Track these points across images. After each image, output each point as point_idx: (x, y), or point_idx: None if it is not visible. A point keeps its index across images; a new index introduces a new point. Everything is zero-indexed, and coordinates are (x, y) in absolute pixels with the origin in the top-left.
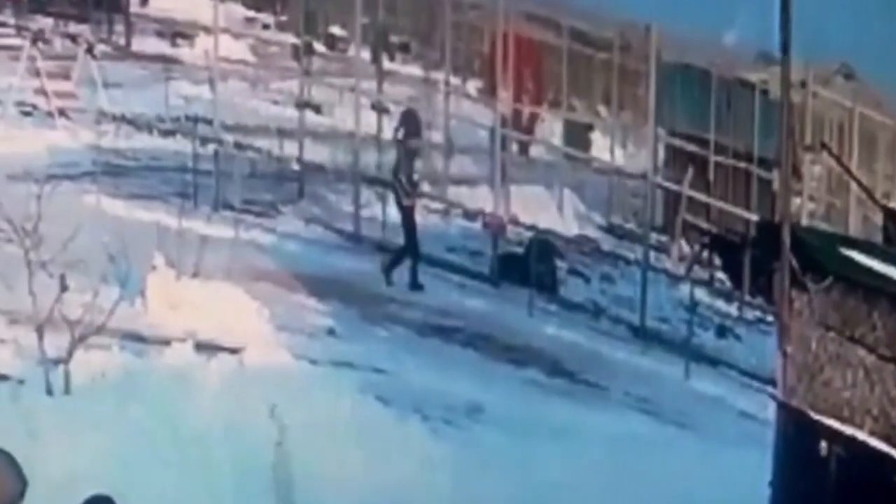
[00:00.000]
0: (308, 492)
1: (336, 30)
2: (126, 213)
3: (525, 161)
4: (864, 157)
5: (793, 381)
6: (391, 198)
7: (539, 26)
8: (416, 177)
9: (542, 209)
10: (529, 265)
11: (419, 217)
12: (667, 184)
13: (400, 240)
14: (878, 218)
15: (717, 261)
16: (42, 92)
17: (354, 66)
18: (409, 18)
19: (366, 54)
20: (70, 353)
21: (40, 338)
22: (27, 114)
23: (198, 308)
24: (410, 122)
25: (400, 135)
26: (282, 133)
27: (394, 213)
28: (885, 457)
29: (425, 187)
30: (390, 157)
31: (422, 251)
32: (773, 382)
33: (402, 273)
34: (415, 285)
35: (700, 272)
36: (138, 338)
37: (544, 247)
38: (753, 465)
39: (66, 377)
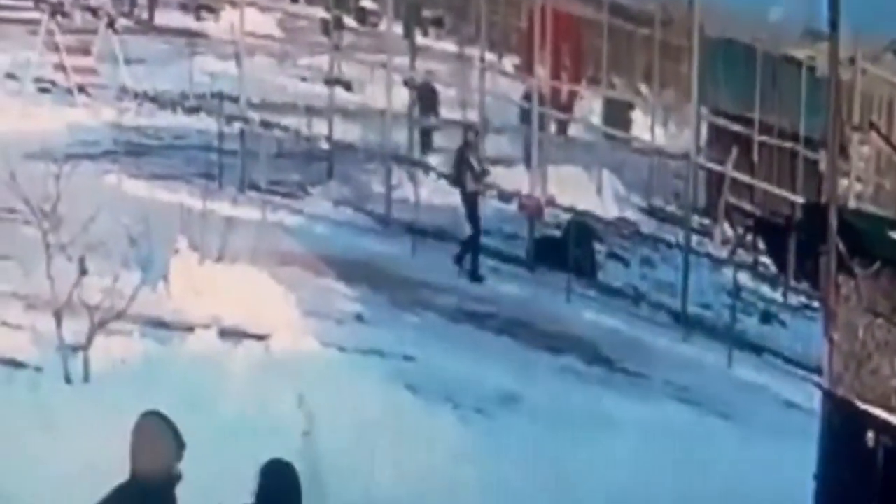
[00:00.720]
0: (335, 482)
1: (367, 3)
2: (148, 194)
3: (563, 140)
4: None
5: (839, 369)
6: (424, 178)
7: (578, 0)
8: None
9: (581, 190)
10: (567, 249)
11: (452, 198)
12: (710, 164)
13: (432, 222)
14: None
15: (762, 244)
16: (61, 67)
17: (386, 42)
18: None
19: (398, 29)
20: (89, 340)
21: (59, 324)
22: (46, 90)
23: (222, 293)
24: (426, 97)
25: (416, 111)
26: (310, 111)
27: (426, 195)
28: None
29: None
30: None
31: (455, 234)
32: (818, 371)
33: (435, 257)
34: (475, 276)
35: (744, 256)
36: (160, 324)
37: (582, 230)
38: (798, 456)
39: (86, 365)
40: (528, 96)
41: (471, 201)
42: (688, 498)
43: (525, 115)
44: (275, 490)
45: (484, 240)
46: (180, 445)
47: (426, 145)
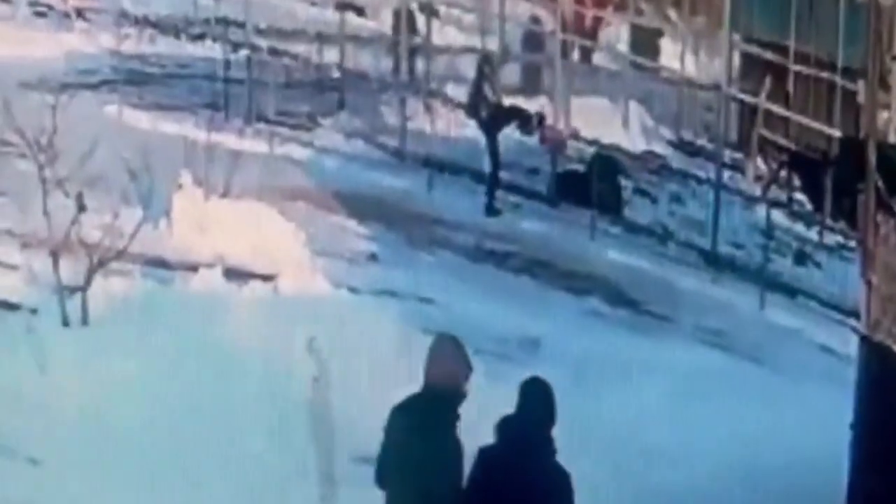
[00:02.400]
0: (348, 430)
1: None
2: (150, 126)
3: (587, 70)
4: None
5: (877, 313)
6: (442, 109)
7: None
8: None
9: (606, 123)
10: (591, 184)
11: (470, 130)
12: (742, 96)
13: (449, 155)
14: None
15: (797, 181)
16: None
17: None
18: None
19: None
20: (88, 281)
21: (56, 263)
22: (41, 14)
23: (228, 230)
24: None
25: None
26: (321, 38)
27: (442, 127)
28: None
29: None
30: (440, 64)
31: (473, 168)
32: (855, 314)
33: (452, 193)
34: (491, 210)
35: (777, 193)
36: (162, 263)
37: (608, 164)
38: (834, 404)
39: (84, 306)
40: (535, 18)
41: (490, 133)
42: (718, 447)
43: (528, 40)
44: (531, 410)
45: (503, 174)
46: (469, 367)
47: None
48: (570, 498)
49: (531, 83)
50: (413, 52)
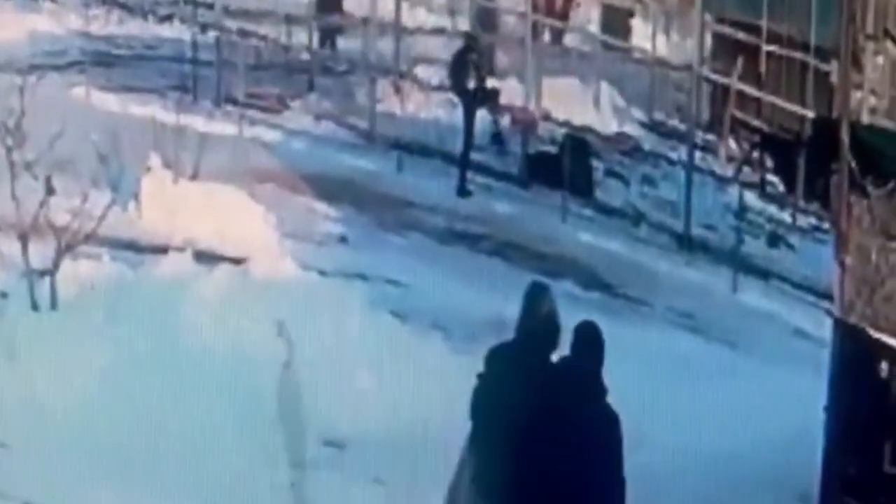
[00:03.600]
0: (317, 415)
1: None
2: (118, 108)
3: (558, 50)
4: None
5: (851, 295)
6: (412, 93)
7: None
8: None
9: (577, 104)
10: (563, 165)
11: (441, 111)
12: (714, 76)
13: (419, 137)
14: None
15: (769, 162)
16: None
17: None
18: None
19: None
20: (56, 264)
21: (24, 247)
22: None
23: (197, 213)
24: None
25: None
26: (290, 19)
27: (412, 109)
28: None
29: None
30: (409, 44)
31: (443, 150)
32: (829, 297)
33: (423, 175)
34: (463, 191)
35: (750, 174)
36: (132, 246)
37: (579, 145)
38: (807, 387)
39: (53, 290)
40: None
41: (470, 112)
42: (691, 430)
43: (483, 17)
44: (584, 353)
45: (475, 155)
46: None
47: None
48: (620, 439)
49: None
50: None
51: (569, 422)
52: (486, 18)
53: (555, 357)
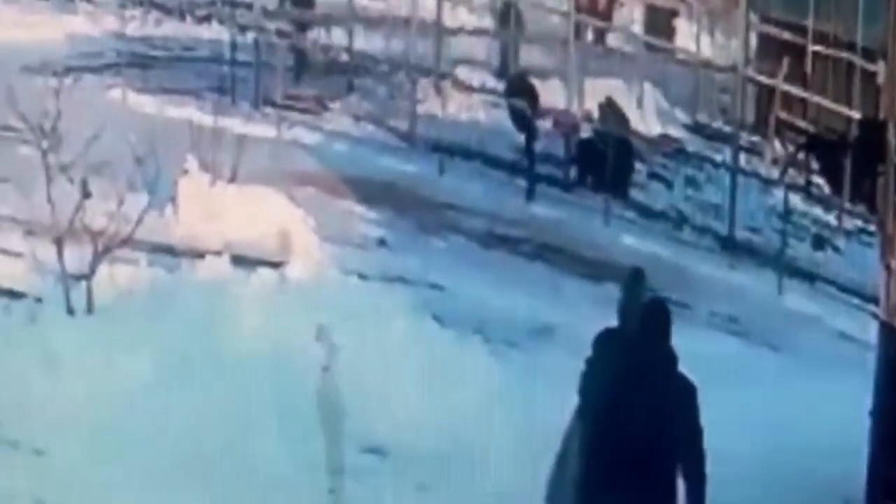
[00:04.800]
0: (357, 420)
1: None
2: (155, 110)
3: (601, 51)
4: None
5: None
6: (453, 94)
7: None
8: None
9: (620, 106)
10: (608, 157)
11: (482, 113)
12: (759, 77)
13: (460, 139)
14: None
15: (815, 163)
16: None
17: None
18: None
19: None
20: (93, 269)
21: (60, 251)
22: None
23: (235, 217)
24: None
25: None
26: (329, 19)
27: (454, 110)
28: None
29: (490, 80)
30: (452, 45)
31: (485, 152)
32: (875, 300)
33: (464, 177)
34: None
35: (795, 176)
36: (169, 250)
37: (623, 144)
38: (853, 391)
39: (89, 295)
40: None
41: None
42: (734, 435)
43: (503, 17)
44: (653, 328)
45: (516, 158)
46: None
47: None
48: (697, 407)
49: (502, 60)
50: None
51: (653, 392)
52: (508, 14)
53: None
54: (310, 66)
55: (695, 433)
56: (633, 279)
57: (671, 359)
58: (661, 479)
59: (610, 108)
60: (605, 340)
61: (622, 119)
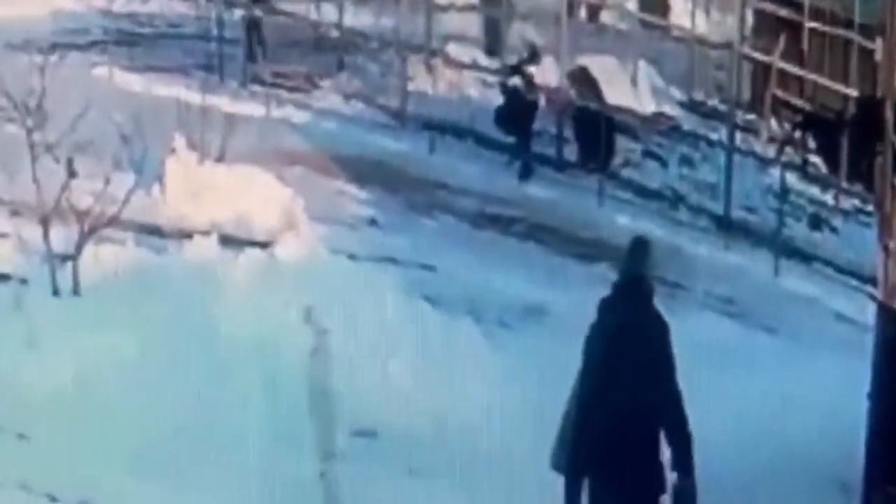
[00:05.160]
0: (347, 403)
1: None
2: (142, 89)
3: (594, 28)
4: None
5: (895, 279)
6: (444, 71)
7: None
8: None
9: (614, 83)
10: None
11: (474, 91)
12: (755, 54)
13: (451, 117)
14: None
15: (812, 142)
16: None
17: None
18: None
19: None
20: (79, 249)
21: (45, 231)
22: None
23: (223, 196)
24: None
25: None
26: None
27: (445, 88)
28: None
29: (481, 58)
30: (443, 21)
31: (476, 130)
32: (873, 281)
33: (455, 156)
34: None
35: (792, 155)
36: (156, 230)
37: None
38: (850, 373)
39: (75, 276)
40: None
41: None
42: (731, 417)
43: None
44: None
45: (507, 137)
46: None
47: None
48: (670, 341)
49: (492, 37)
50: None
51: (627, 329)
52: None
53: None
54: (265, 42)
55: (669, 372)
56: (638, 247)
57: (648, 291)
58: (646, 436)
59: (581, 75)
60: (607, 305)
61: (593, 87)
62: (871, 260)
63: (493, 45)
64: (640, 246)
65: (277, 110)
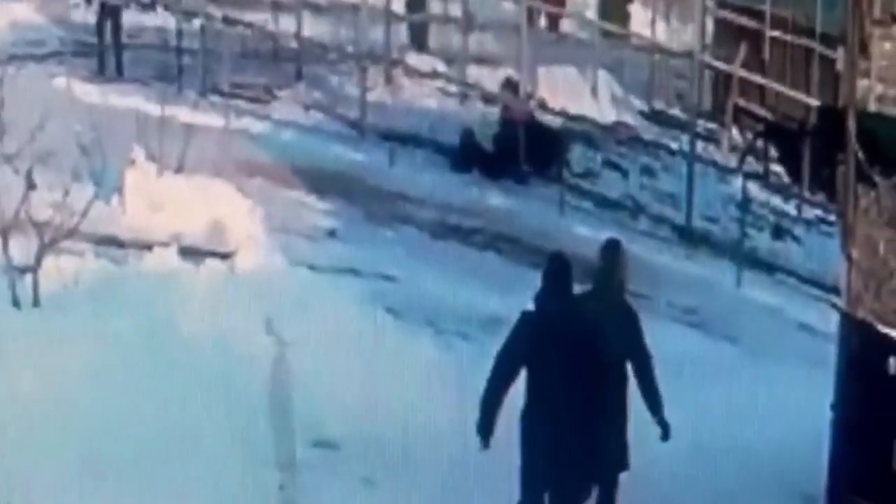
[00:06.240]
0: (307, 413)
1: None
2: (100, 99)
3: (555, 38)
4: None
5: (858, 288)
6: (403, 82)
7: None
8: None
9: (574, 93)
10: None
11: (433, 101)
12: (716, 63)
13: (411, 128)
14: None
15: (774, 151)
16: None
17: None
18: None
19: None
20: (38, 260)
21: (4, 243)
22: None
23: (182, 207)
24: None
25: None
26: (277, 6)
27: (404, 97)
28: None
29: (440, 67)
30: (402, 32)
31: (436, 140)
32: (836, 291)
33: (415, 167)
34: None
35: (754, 164)
36: (115, 242)
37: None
38: (814, 383)
39: (35, 287)
40: None
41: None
42: (694, 428)
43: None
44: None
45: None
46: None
47: (419, 43)
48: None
49: (418, 40)
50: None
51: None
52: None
53: None
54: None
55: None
56: (610, 250)
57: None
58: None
59: (510, 87)
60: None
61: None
62: (834, 269)
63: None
64: (612, 247)
65: (236, 121)
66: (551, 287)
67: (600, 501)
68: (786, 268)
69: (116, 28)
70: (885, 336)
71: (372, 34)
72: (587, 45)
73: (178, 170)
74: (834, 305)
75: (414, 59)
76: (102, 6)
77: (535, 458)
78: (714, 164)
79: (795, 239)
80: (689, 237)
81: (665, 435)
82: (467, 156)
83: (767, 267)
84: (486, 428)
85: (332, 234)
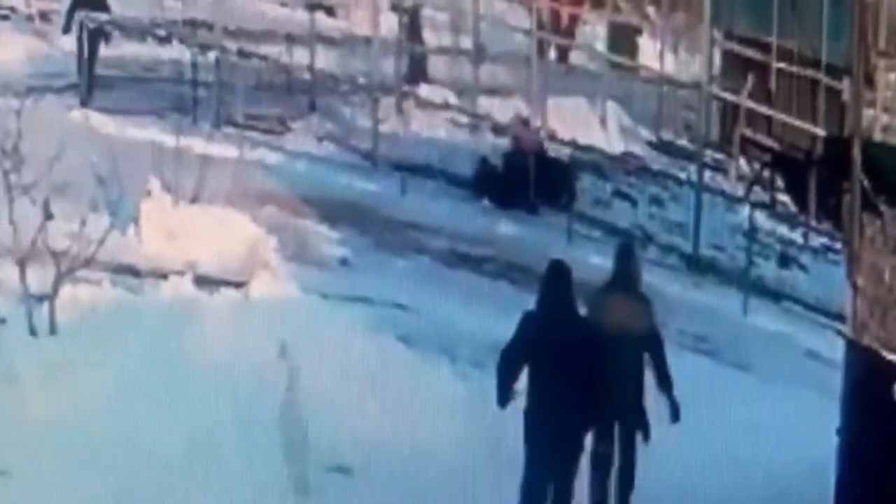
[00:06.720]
0: (320, 441)
1: None
2: (117, 131)
3: (564, 70)
4: None
5: (864, 316)
6: (415, 113)
7: None
8: None
9: (584, 123)
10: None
11: (444, 132)
12: (723, 94)
13: (423, 158)
14: None
15: (780, 181)
16: None
17: None
18: None
19: None
20: (55, 289)
21: (22, 272)
22: (4, 17)
23: (197, 237)
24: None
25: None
26: (291, 39)
27: (416, 128)
28: None
29: (451, 98)
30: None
31: (447, 171)
32: (841, 318)
33: (426, 196)
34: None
35: (761, 194)
36: (131, 271)
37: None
38: (820, 409)
39: (52, 316)
40: None
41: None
42: (702, 453)
43: (410, 30)
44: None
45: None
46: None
47: (418, 74)
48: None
49: (416, 73)
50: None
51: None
52: (412, 30)
53: None
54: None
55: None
56: (624, 252)
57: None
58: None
59: (521, 124)
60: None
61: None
62: (840, 297)
63: (411, 76)
64: (626, 248)
65: (250, 152)
66: (552, 288)
67: (622, 464)
68: (792, 295)
69: (92, 55)
70: (890, 363)
71: (384, 66)
72: (596, 77)
73: (194, 200)
74: (840, 332)
75: (425, 91)
76: (81, 35)
77: (538, 453)
78: (722, 193)
79: (802, 267)
80: (697, 266)
81: (675, 415)
82: (483, 182)
83: (774, 295)
84: (504, 397)
85: (344, 262)
